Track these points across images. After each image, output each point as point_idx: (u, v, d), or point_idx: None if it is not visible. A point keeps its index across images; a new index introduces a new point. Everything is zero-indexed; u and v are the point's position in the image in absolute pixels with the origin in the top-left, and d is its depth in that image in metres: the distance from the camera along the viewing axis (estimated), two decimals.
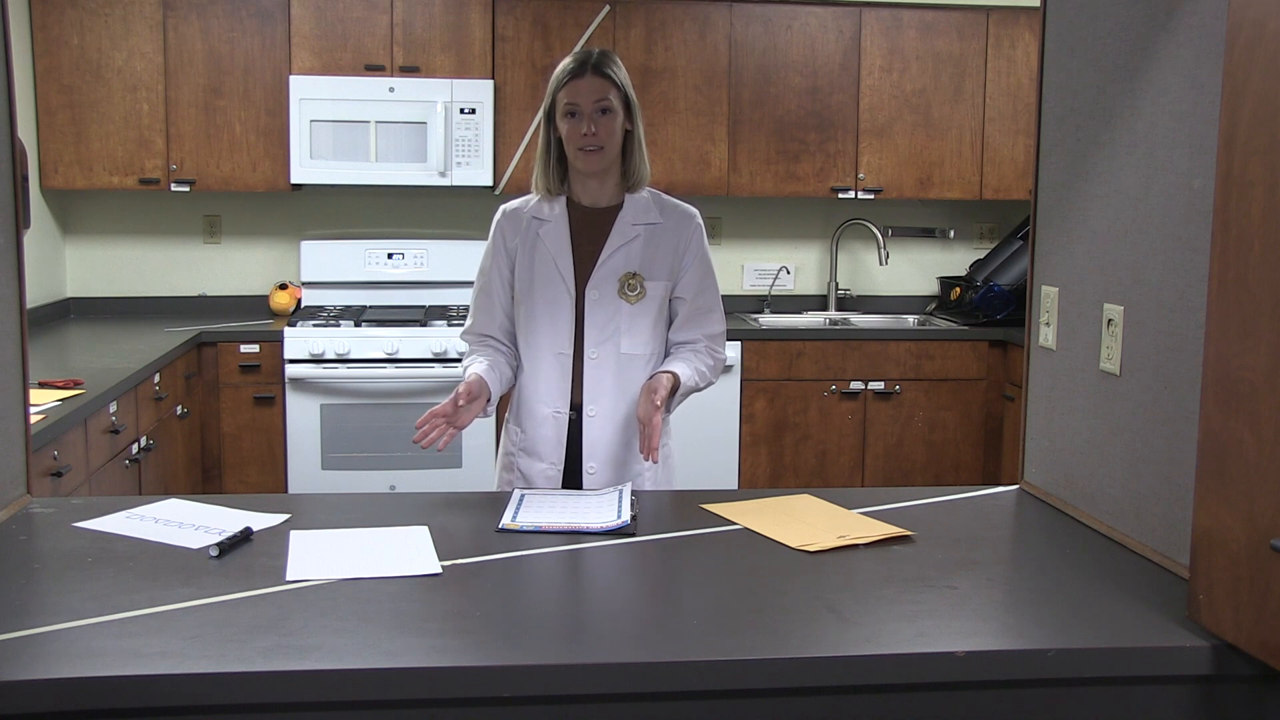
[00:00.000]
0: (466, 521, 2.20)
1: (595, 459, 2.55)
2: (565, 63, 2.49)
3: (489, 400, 2.47)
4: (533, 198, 2.60)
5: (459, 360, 4.71)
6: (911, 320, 5.57)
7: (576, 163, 2.49)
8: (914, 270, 5.81)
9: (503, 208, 2.62)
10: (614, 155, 2.50)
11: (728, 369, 4.97)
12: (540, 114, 2.54)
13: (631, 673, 1.54)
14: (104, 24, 4.82)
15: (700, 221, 2.61)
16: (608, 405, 2.54)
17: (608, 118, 2.45)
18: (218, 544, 1.95)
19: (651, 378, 2.47)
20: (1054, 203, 2.36)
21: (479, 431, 4.78)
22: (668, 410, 2.53)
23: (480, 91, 4.95)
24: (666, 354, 2.62)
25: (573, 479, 2.57)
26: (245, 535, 2.02)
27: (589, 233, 2.55)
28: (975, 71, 5.32)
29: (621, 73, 2.50)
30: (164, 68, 4.87)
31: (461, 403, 2.35)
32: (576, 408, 2.55)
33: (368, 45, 4.94)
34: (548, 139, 2.53)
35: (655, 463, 2.40)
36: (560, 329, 2.52)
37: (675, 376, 2.48)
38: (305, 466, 4.73)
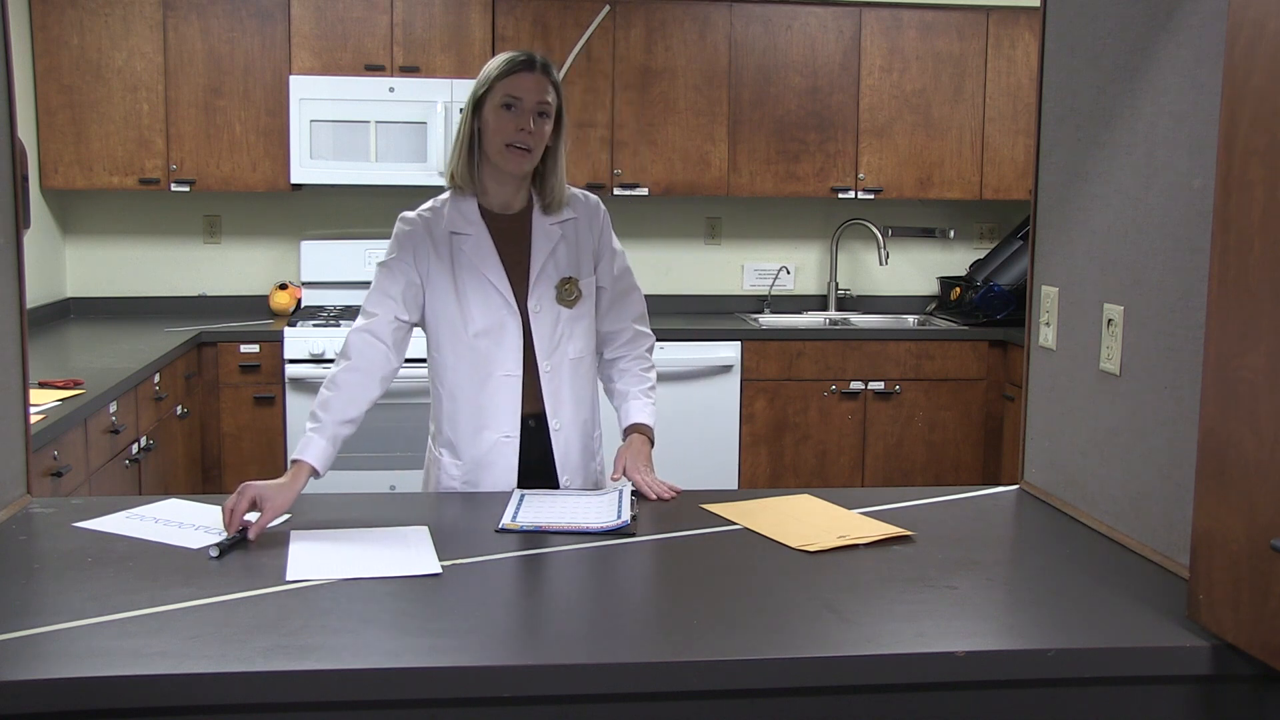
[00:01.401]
0: (466, 521, 2.20)
1: (568, 470, 2.50)
2: (507, 55, 2.37)
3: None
4: (439, 204, 2.46)
5: None
6: (911, 320, 5.57)
7: (499, 159, 2.35)
8: (914, 270, 5.81)
9: (408, 215, 2.45)
10: (535, 163, 2.39)
11: (727, 369, 4.97)
12: (467, 102, 2.39)
13: (631, 673, 1.54)
14: (104, 24, 4.82)
15: (603, 206, 2.56)
16: (569, 414, 2.48)
17: (543, 121, 2.35)
18: (218, 544, 1.95)
19: (628, 441, 2.47)
20: (1054, 203, 2.36)
21: None
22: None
23: None
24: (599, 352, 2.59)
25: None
26: (243, 534, 2.02)
27: (510, 241, 2.45)
28: (975, 71, 5.32)
29: (561, 84, 2.40)
30: (164, 68, 4.87)
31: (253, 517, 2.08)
32: (537, 418, 2.47)
33: (368, 45, 4.94)
34: (471, 129, 2.38)
35: (673, 495, 2.37)
36: (509, 349, 2.42)
37: (648, 430, 2.51)
38: None
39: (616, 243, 2.58)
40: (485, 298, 2.42)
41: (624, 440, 2.50)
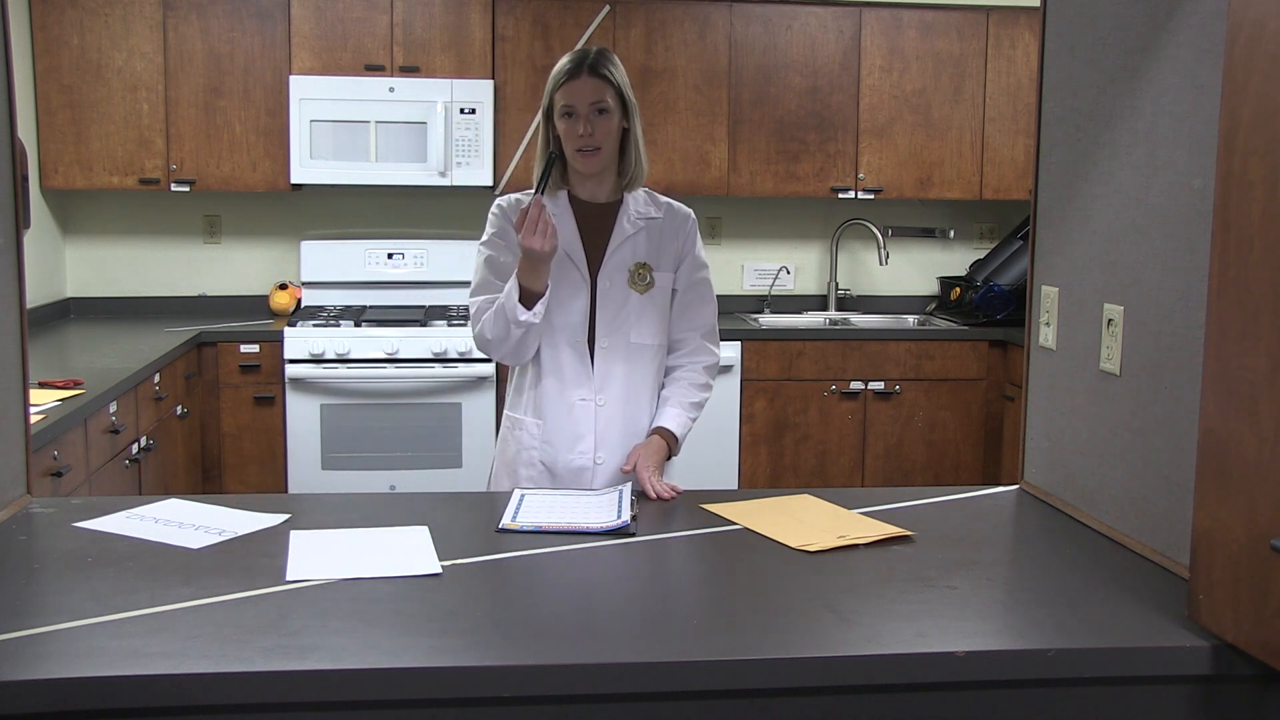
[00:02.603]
0: (466, 521, 2.20)
1: (605, 448, 2.56)
2: (562, 62, 2.48)
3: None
4: (531, 194, 2.58)
5: (459, 360, 4.72)
6: (911, 320, 5.57)
7: (574, 163, 2.49)
8: (914, 270, 5.81)
9: (501, 200, 2.60)
10: (611, 155, 2.50)
11: (727, 369, 4.97)
12: (539, 113, 2.54)
13: (631, 673, 1.54)
14: (104, 24, 4.82)
15: (695, 220, 2.65)
16: (618, 395, 2.56)
17: (604, 119, 2.45)
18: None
19: (648, 440, 2.51)
20: (1054, 203, 2.36)
21: (478, 431, 4.78)
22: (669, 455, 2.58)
23: (480, 91, 4.95)
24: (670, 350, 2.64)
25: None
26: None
27: (593, 225, 2.56)
28: (975, 71, 5.32)
29: (619, 72, 2.49)
30: (164, 68, 4.87)
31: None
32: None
33: (368, 45, 4.94)
34: (547, 137, 2.53)
35: (672, 495, 2.39)
36: (576, 319, 2.53)
37: (670, 437, 2.53)
38: (305, 466, 4.73)
39: (703, 255, 2.66)
40: (562, 269, 2.51)
41: (647, 439, 2.55)
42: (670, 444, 2.54)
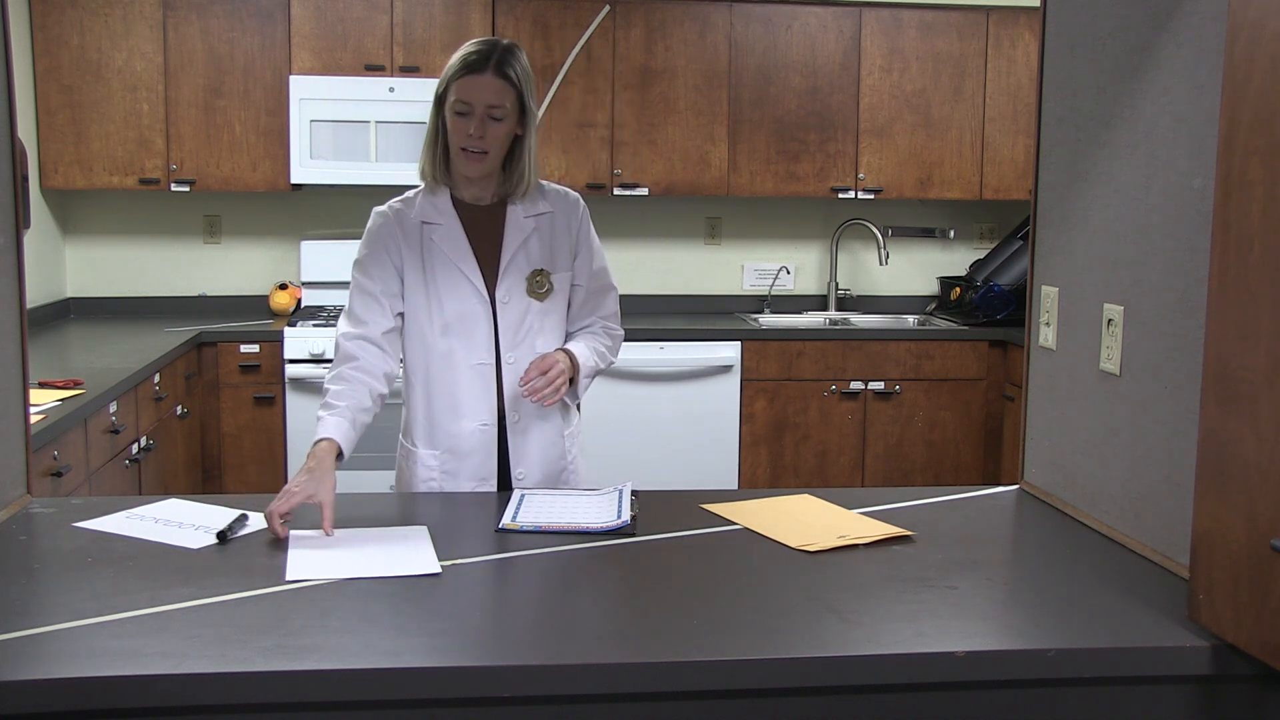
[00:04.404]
0: (466, 521, 2.20)
1: (523, 464, 2.48)
2: (466, 49, 2.33)
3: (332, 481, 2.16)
4: (412, 195, 2.47)
5: None
6: (911, 320, 5.57)
7: (457, 161, 2.36)
8: (914, 270, 5.81)
9: (379, 210, 2.46)
10: (496, 161, 2.37)
11: (727, 369, 4.97)
12: (433, 98, 2.38)
13: (631, 673, 1.54)
14: (104, 24, 4.82)
15: (583, 202, 2.53)
16: (530, 408, 2.45)
17: (497, 125, 2.31)
18: (216, 533, 1.98)
19: (543, 356, 2.37)
20: (1054, 203, 2.36)
21: None
22: (573, 397, 2.47)
23: None
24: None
25: (500, 488, 2.50)
26: (242, 520, 2.06)
27: (482, 231, 2.43)
28: (975, 71, 5.32)
29: (522, 71, 2.34)
30: (164, 68, 4.87)
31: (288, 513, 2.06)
32: (499, 417, 2.47)
33: (368, 45, 4.94)
34: (437, 125, 2.38)
35: (539, 399, 2.31)
36: (479, 339, 2.41)
37: (570, 356, 2.41)
38: None
39: (596, 240, 2.54)
40: (456, 286, 2.40)
41: None
42: (571, 360, 2.40)
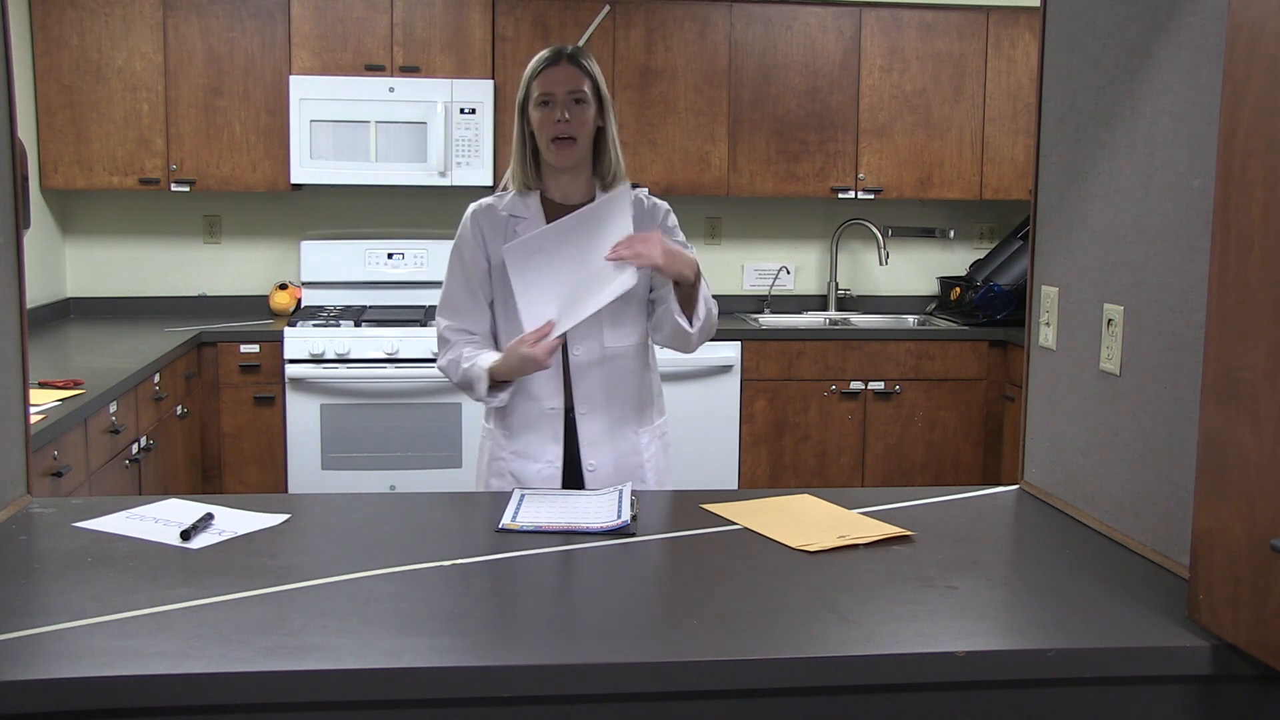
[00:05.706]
0: (466, 521, 2.20)
1: (594, 456, 2.55)
2: (540, 54, 2.48)
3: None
4: (505, 195, 2.56)
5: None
6: (911, 320, 5.57)
7: (548, 155, 2.45)
8: (914, 270, 5.82)
9: (474, 205, 2.57)
10: (585, 149, 2.48)
11: (727, 369, 4.97)
12: (516, 106, 2.50)
13: (631, 673, 1.54)
14: (104, 24, 4.82)
15: (670, 210, 2.60)
16: (600, 402, 2.54)
17: (581, 108, 2.43)
18: (180, 531, 2.00)
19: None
20: (1054, 203, 2.36)
21: (478, 431, 4.77)
22: (686, 311, 2.45)
23: (480, 91, 4.95)
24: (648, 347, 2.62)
25: (571, 479, 2.56)
26: (207, 518, 2.07)
27: None
28: (975, 71, 5.32)
29: (595, 68, 2.49)
30: (164, 68, 4.87)
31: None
32: (568, 407, 2.54)
33: (368, 45, 4.95)
34: (522, 132, 2.49)
35: (624, 259, 2.34)
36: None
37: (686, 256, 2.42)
38: (305, 466, 4.74)
39: (682, 237, 2.59)
40: None
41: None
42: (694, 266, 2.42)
